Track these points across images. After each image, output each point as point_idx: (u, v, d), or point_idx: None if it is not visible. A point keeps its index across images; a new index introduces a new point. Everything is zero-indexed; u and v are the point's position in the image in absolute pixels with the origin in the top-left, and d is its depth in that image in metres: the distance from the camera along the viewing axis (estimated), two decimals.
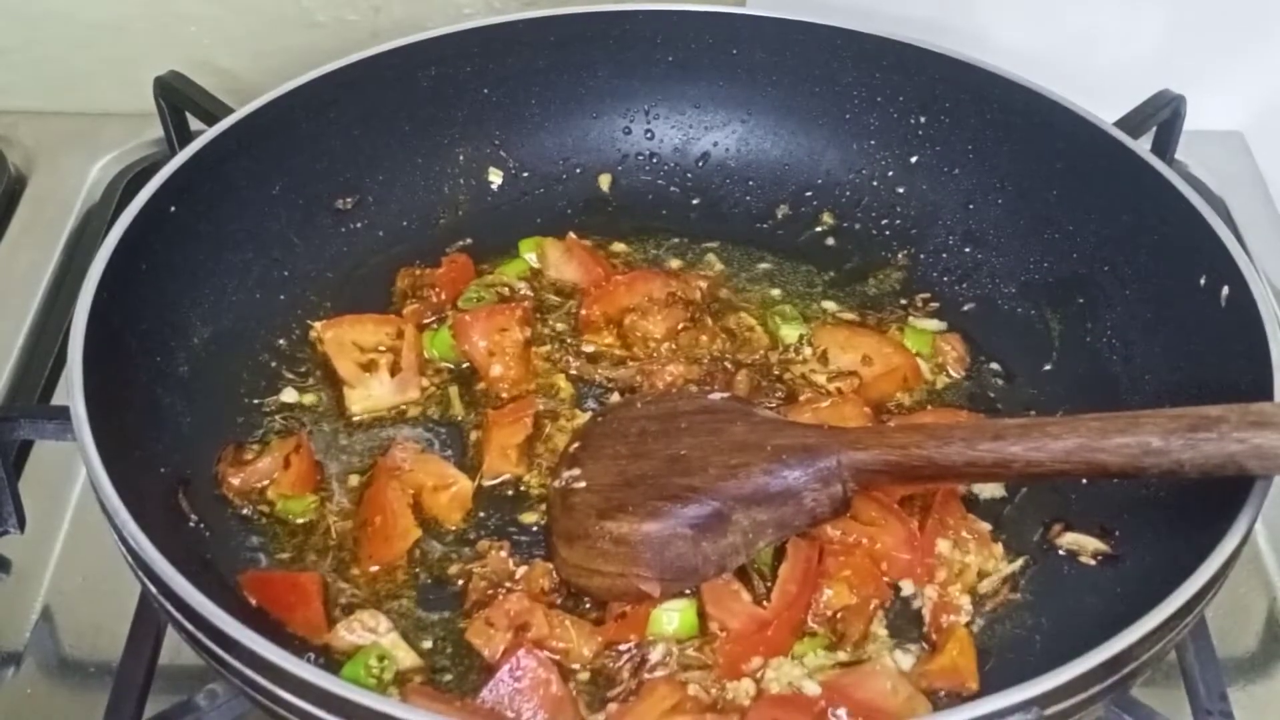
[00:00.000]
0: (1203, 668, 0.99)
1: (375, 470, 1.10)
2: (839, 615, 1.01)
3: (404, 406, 1.17)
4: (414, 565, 1.05)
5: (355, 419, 1.16)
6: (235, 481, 1.09)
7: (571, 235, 1.31)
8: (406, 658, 0.98)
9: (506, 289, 1.26)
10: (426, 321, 1.23)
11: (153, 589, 0.90)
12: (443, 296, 1.25)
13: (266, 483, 1.10)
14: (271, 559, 1.05)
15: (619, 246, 1.32)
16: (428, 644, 1.00)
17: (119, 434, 0.98)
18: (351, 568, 1.05)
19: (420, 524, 1.07)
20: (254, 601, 1.01)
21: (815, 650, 1.00)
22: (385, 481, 1.08)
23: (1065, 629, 1.00)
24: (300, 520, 1.08)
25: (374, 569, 1.05)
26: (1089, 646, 0.84)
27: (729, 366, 1.19)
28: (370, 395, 1.17)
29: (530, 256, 1.30)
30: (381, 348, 1.20)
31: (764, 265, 1.31)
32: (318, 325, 1.21)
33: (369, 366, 1.19)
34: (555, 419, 1.16)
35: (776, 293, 1.28)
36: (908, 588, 1.04)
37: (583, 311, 1.24)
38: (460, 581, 1.04)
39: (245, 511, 1.08)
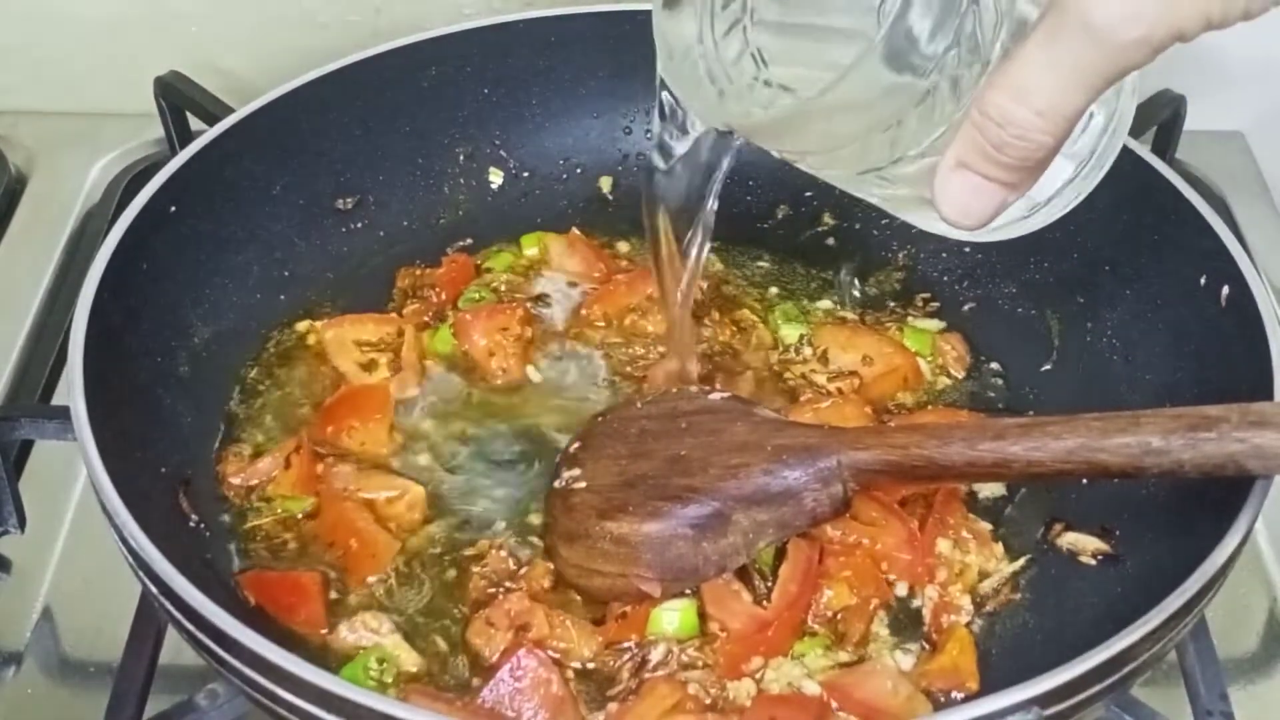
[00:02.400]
0: (1203, 668, 0.99)
1: (322, 499, 1.09)
2: (839, 615, 1.01)
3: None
4: (413, 565, 1.05)
5: None
6: (236, 481, 1.09)
7: (574, 230, 1.32)
8: (407, 658, 0.98)
9: (506, 288, 1.27)
10: (426, 321, 1.23)
11: (153, 589, 0.90)
12: (443, 296, 1.25)
13: (267, 483, 1.10)
14: (272, 559, 1.05)
15: (624, 246, 1.32)
16: (428, 644, 1.00)
17: (119, 434, 0.98)
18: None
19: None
20: (254, 601, 1.01)
21: (815, 650, 1.00)
22: (339, 506, 1.08)
23: (1065, 629, 1.00)
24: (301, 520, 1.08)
25: (370, 563, 1.05)
26: (1089, 646, 0.84)
27: (729, 362, 1.19)
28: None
29: (531, 251, 1.31)
30: (382, 346, 1.20)
31: (764, 265, 1.31)
32: (317, 325, 1.21)
33: (369, 365, 1.19)
34: None
35: (776, 292, 1.28)
36: (907, 588, 1.04)
37: (583, 311, 1.25)
38: (460, 581, 1.04)
39: (246, 511, 1.08)
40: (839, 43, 0.88)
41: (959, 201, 0.79)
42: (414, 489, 1.09)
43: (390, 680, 0.97)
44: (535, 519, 1.08)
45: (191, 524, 1.05)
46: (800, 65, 0.88)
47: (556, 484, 1.07)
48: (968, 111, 0.77)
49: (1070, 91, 0.73)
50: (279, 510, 1.08)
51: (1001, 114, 0.75)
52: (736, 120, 0.89)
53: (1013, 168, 0.77)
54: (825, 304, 1.27)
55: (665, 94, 0.92)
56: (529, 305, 1.25)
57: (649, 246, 1.05)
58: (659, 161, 0.98)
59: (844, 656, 1.00)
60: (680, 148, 0.95)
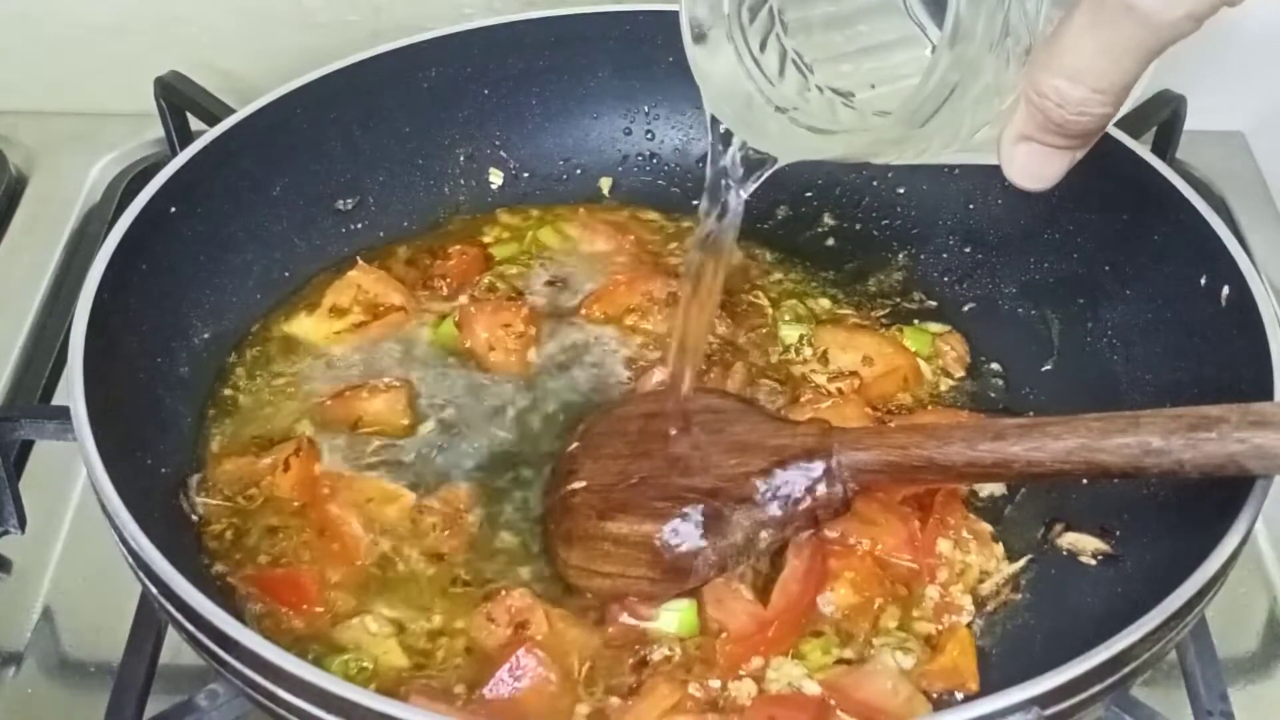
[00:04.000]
0: (1203, 667, 0.99)
1: (313, 500, 1.09)
2: (844, 615, 1.01)
3: None
4: (412, 564, 1.05)
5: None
6: (235, 481, 1.09)
7: (582, 210, 1.33)
8: (406, 656, 0.99)
9: (519, 275, 1.28)
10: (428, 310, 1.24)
11: (153, 589, 0.90)
12: (453, 287, 1.25)
13: (267, 483, 1.09)
14: (272, 558, 1.05)
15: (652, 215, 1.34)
16: (427, 643, 1.00)
17: (120, 434, 0.98)
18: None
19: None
20: (253, 601, 1.01)
21: (820, 650, 1.00)
22: (326, 509, 1.07)
23: (1065, 629, 1.00)
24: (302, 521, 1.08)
25: (365, 564, 1.05)
26: (1089, 646, 0.84)
27: (727, 357, 1.19)
28: (308, 330, 1.21)
29: (551, 241, 1.32)
30: (371, 307, 1.22)
31: (764, 265, 1.31)
32: (361, 262, 1.25)
33: (340, 312, 1.21)
34: None
35: (778, 277, 1.29)
36: (908, 588, 1.04)
37: (583, 310, 1.25)
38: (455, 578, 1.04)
39: (246, 512, 1.08)
40: (868, 20, 0.88)
41: (1027, 169, 0.81)
42: (405, 496, 1.09)
43: (389, 678, 0.97)
44: (530, 515, 1.09)
45: (192, 524, 1.05)
46: (842, 60, 0.88)
47: (556, 484, 1.07)
48: (1020, 93, 0.78)
49: (1124, 68, 0.74)
50: (275, 510, 1.08)
51: (1060, 95, 0.76)
52: (820, 154, 0.89)
53: (1077, 136, 0.78)
54: (824, 304, 1.27)
55: (720, 131, 0.91)
56: (547, 286, 1.26)
57: (688, 285, 1.01)
58: (714, 220, 0.96)
59: (850, 654, 1.00)
60: (744, 193, 0.94)
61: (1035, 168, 0.81)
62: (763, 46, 0.87)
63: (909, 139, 0.81)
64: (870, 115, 0.85)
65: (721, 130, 0.91)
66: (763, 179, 0.92)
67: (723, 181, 0.92)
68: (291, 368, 1.19)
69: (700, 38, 0.88)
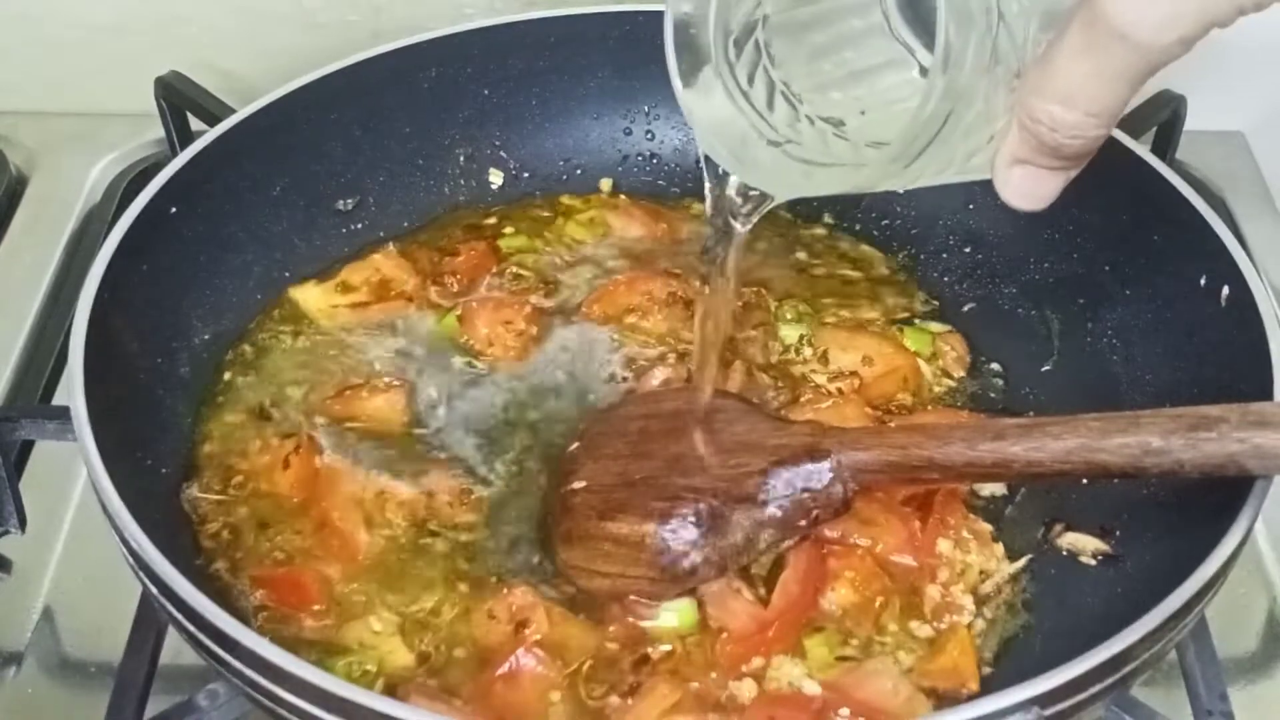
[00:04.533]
0: (1203, 667, 0.99)
1: (313, 495, 1.09)
2: (845, 614, 1.02)
3: None
4: (409, 563, 1.05)
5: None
6: (235, 479, 1.09)
7: (623, 196, 1.35)
8: (405, 656, 0.99)
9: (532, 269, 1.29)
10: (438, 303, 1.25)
11: (153, 589, 0.91)
12: (463, 283, 1.26)
13: (267, 481, 1.09)
14: (272, 557, 1.05)
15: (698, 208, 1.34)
16: (428, 643, 1.00)
17: (120, 434, 0.98)
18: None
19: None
20: (256, 601, 1.01)
21: (823, 648, 1.00)
22: (324, 507, 1.07)
23: (1065, 629, 1.00)
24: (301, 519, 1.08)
25: (365, 561, 1.05)
26: (1089, 646, 0.84)
27: (727, 357, 1.19)
28: (312, 299, 1.23)
29: (580, 234, 1.33)
30: (384, 290, 1.24)
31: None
32: (393, 244, 1.28)
33: (346, 289, 1.24)
34: None
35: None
36: (909, 587, 1.04)
37: (583, 310, 1.25)
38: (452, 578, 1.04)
39: (245, 510, 1.08)
40: (854, 46, 0.88)
41: (1022, 190, 0.82)
42: (404, 492, 1.09)
43: (391, 678, 0.97)
44: (530, 513, 1.09)
45: (192, 523, 1.05)
46: (830, 87, 0.88)
47: (556, 484, 1.07)
48: (1012, 116, 0.78)
49: (1116, 92, 0.75)
50: (275, 508, 1.08)
51: (1053, 120, 0.76)
52: (815, 190, 0.89)
53: (1071, 157, 0.79)
54: (825, 304, 1.27)
55: (718, 173, 0.91)
56: (565, 277, 1.27)
57: (702, 304, 1.02)
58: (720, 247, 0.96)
59: (853, 652, 1.00)
60: (745, 226, 0.94)
61: (1030, 189, 0.82)
62: (750, 80, 0.87)
63: (902, 170, 0.81)
64: (862, 146, 0.85)
65: (719, 171, 0.91)
66: (762, 213, 0.92)
67: (722, 216, 0.93)
68: (293, 365, 1.19)
69: (690, 79, 0.88)
